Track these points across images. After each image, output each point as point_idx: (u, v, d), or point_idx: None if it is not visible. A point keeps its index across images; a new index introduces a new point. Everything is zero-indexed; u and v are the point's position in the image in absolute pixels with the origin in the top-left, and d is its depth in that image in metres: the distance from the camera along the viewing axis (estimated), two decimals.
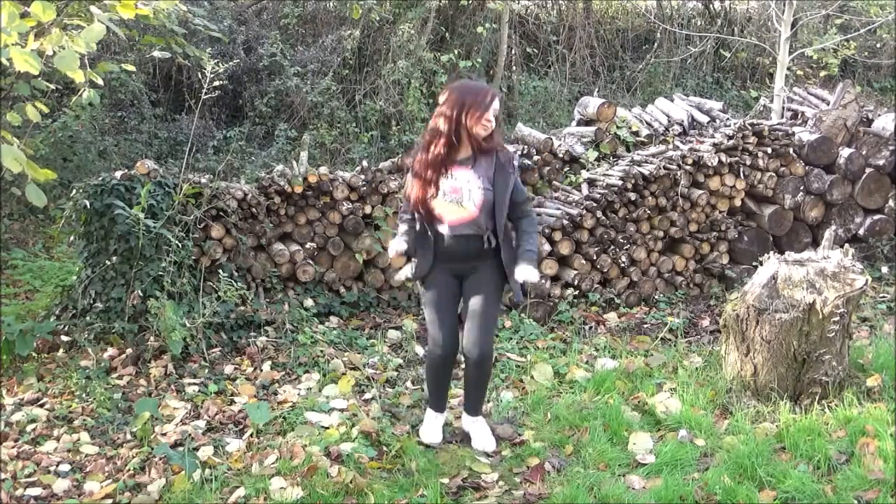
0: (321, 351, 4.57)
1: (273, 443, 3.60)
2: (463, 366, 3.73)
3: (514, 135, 6.23)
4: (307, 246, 5.17)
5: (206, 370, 4.40)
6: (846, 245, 4.14)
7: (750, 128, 5.69)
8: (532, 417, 3.87)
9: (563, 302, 5.26)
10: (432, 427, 3.70)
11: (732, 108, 10.03)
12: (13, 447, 3.65)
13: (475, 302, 3.48)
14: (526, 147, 5.77)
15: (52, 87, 4.66)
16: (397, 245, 3.49)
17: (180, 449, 3.56)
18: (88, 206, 4.50)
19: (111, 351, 4.53)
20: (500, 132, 3.48)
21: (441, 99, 3.43)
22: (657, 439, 3.58)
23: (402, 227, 3.57)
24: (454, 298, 3.57)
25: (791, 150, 5.77)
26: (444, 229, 3.45)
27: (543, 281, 3.21)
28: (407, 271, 3.52)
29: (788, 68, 7.73)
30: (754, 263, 5.24)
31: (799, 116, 6.59)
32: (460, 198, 3.38)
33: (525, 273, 3.36)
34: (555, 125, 9.26)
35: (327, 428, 3.70)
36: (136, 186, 4.59)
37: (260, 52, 9.56)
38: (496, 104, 3.38)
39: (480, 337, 3.46)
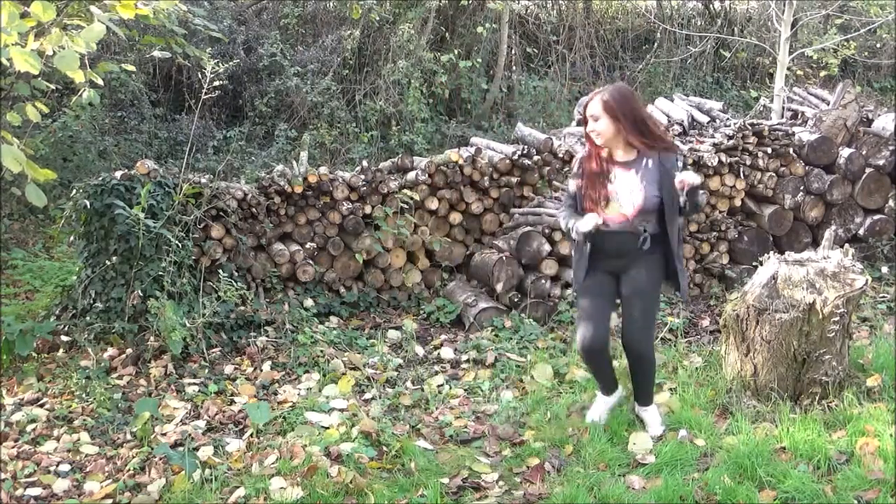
0: (321, 351, 4.57)
1: (273, 443, 3.60)
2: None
3: (514, 135, 6.23)
4: (307, 246, 5.17)
5: (206, 370, 4.40)
6: (846, 245, 4.14)
7: (750, 128, 5.69)
8: (532, 417, 3.87)
9: (563, 302, 5.26)
10: (597, 407, 3.78)
11: (732, 108, 10.03)
12: (13, 447, 3.65)
13: (631, 299, 3.52)
14: (526, 147, 5.76)
15: (52, 87, 4.66)
16: (592, 221, 3.41)
17: (180, 449, 3.56)
18: (88, 206, 4.50)
19: (111, 351, 4.53)
20: (646, 127, 3.41)
21: None
22: (657, 439, 3.58)
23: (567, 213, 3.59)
24: (607, 295, 3.58)
25: (791, 150, 5.77)
26: (604, 227, 3.46)
27: (702, 189, 3.30)
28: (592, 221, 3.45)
29: (788, 68, 7.73)
30: (754, 263, 5.24)
31: (799, 116, 6.59)
32: (618, 199, 3.41)
33: (685, 175, 3.31)
34: (555, 125, 9.26)
35: (327, 428, 3.70)
36: (136, 186, 4.59)
37: (260, 52, 9.56)
38: (591, 107, 3.40)
39: (636, 334, 3.51)
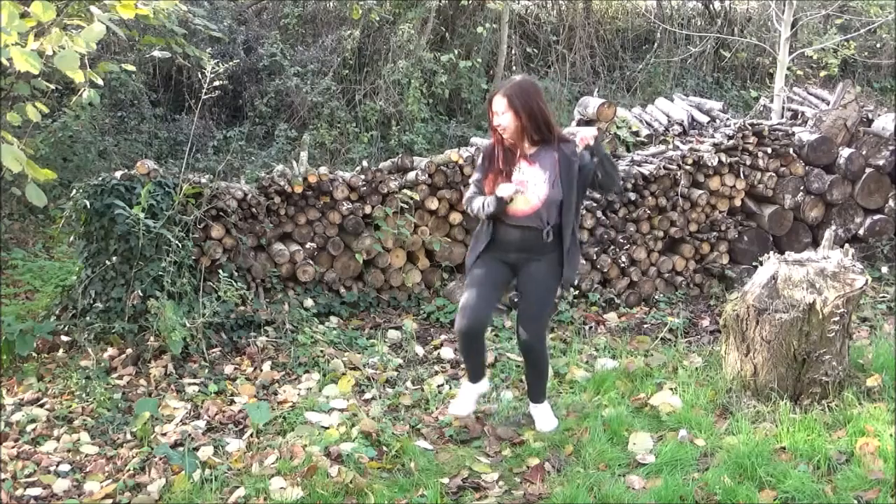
0: (321, 351, 4.57)
1: (273, 443, 3.61)
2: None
3: None
4: (307, 246, 5.16)
5: (206, 370, 4.40)
6: (846, 245, 4.14)
7: (750, 128, 5.69)
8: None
9: (563, 302, 5.26)
10: (463, 398, 3.77)
11: (732, 108, 10.03)
12: (13, 447, 3.65)
13: (528, 292, 3.57)
14: None
15: (52, 87, 4.66)
16: (506, 191, 3.43)
17: (180, 449, 3.56)
18: (88, 206, 4.50)
19: (111, 351, 4.53)
20: (547, 121, 3.47)
21: None
22: (657, 439, 3.58)
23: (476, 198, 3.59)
24: (495, 282, 3.62)
25: (791, 150, 5.77)
26: (505, 218, 3.51)
27: (599, 137, 3.45)
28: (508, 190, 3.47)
29: (788, 68, 7.73)
30: (754, 263, 5.25)
31: (799, 116, 6.59)
32: (526, 191, 3.44)
33: (582, 131, 3.42)
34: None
35: (327, 428, 3.70)
36: (136, 186, 4.59)
37: (260, 52, 9.56)
38: (496, 102, 3.45)
39: (529, 327, 3.54)
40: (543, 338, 3.66)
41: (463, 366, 4.52)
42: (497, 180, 3.49)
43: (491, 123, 3.52)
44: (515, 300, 3.71)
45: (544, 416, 3.75)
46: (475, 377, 3.77)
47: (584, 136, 3.41)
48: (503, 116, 3.44)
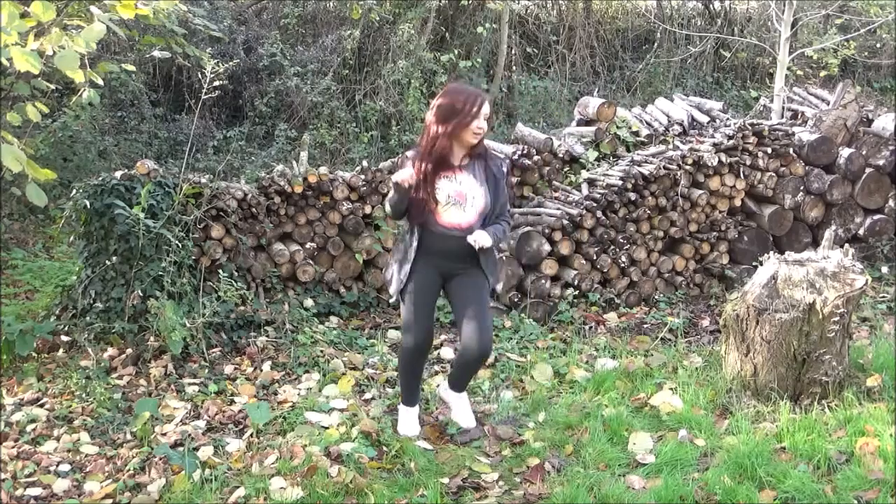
0: (321, 351, 4.57)
1: (273, 443, 3.61)
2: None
3: (514, 135, 6.23)
4: (307, 246, 5.17)
5: (206, 370, 4.40)
6: (846, 245, 4.14)
7: (750, 128, 5.69)
8: (532, 417, 3.87)
9: (563, 302, 5.26)
10: (409, 421, 3.73)
11: (732, 108, 10.02)
12: (13, 447, 3.65)
13: (470, 302, 3.53)
14: (526, 147, 5.76)
15: (52, 87, 4.66)
16: (402, 175, 3.39)
17: (180, 449, 3.56)
18: (88, 206, 4.50)
19: (111, 351, 4.53)
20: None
21: (434, 102, 3.50)
22: (657, 439, 3.58)
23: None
24: (433, 294, 3.62)
25: (791, 150, 5.77)
26: (437, 228, 3.48)
27: (497, 253, 3.52)
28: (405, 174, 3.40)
29: (788, 68, 7.73)
30: (754, 263, 5.24)
31: (799, 116, 6.59)
32: (464, 203, 3.44)
33: (478, 235, 3.39)
34: (555, 125, 9.26)
35: (327, 428, 3.70)
36: (136, 186, 4.60)
37: (260, 52, 9.56)
38: (486, 108, 3.43)
39: (481, 336, 3.50)
40: (492, 345, 3.69)
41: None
42: (427, 187, 3.42)
43: (454, 127, 3.39)
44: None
45: (465, 409, 3.78)
46: (412, 400, 3.75)
47: (481, 244, 3.38)
48: (485, 123, 3.43)
